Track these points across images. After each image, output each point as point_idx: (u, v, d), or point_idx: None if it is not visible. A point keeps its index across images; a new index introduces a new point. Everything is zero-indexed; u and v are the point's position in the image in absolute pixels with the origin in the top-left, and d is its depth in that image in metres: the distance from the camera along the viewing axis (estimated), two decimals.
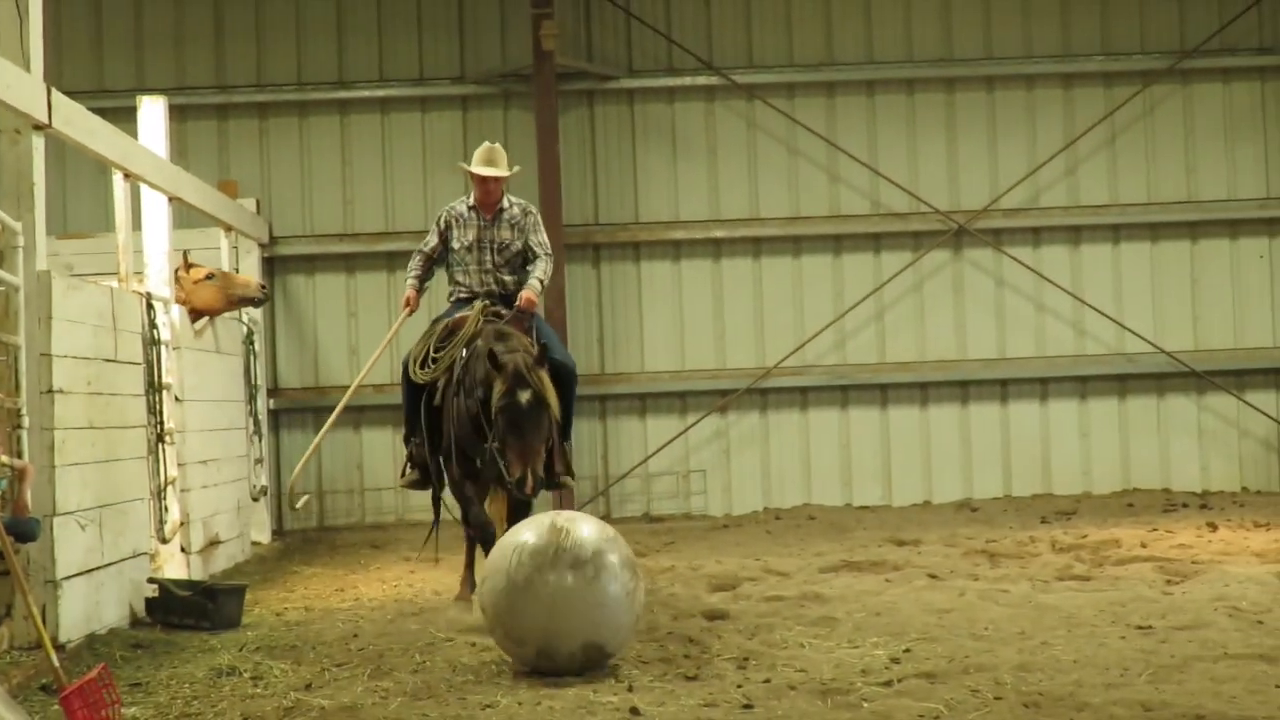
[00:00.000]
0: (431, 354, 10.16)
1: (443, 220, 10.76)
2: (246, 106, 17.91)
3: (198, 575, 11.88)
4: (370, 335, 17.61)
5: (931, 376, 17.99)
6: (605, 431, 17.80)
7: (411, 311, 11.06)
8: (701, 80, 17.91)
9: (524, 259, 10.67)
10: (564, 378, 10.30)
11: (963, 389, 18.07)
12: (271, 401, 17.01)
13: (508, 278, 10.62)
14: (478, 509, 10.30)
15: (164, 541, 11.56)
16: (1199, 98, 18.31)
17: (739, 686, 8.13)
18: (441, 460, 10.36)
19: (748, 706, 7.65)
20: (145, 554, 11.08)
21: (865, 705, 7.59)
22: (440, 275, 11.24)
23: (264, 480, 16.15)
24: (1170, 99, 18.15)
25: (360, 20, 17.98)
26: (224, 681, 8.55)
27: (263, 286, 14.16)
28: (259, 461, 15.97)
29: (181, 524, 11.87)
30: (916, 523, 16.01)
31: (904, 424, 18.00)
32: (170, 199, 12.80)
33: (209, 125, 17.72)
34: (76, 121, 10.26)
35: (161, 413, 11.63)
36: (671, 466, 17.81)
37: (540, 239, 10.71)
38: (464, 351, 9.95)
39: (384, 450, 17.60)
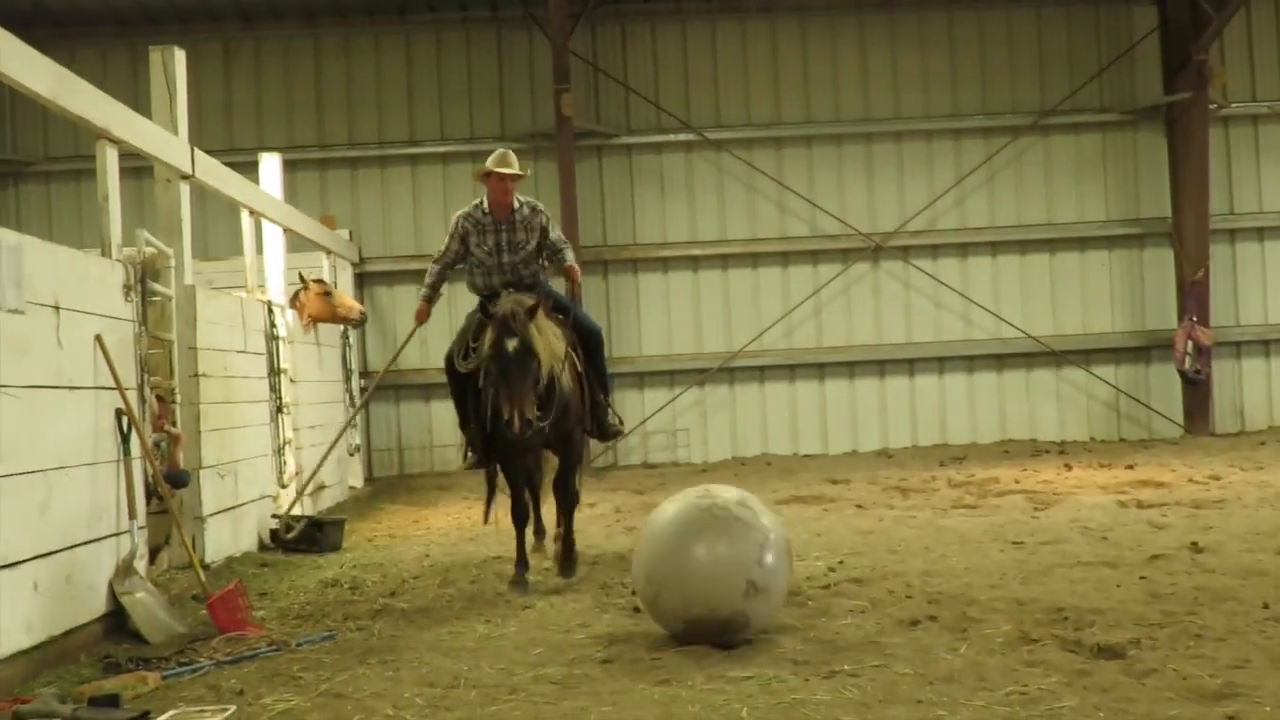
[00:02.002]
0: (471, 345, 8.57)
1: (460, 226, 8.94)
2: (340, 160, 17.92)
3: (309, 512, 11.89)
4: (435, 330, 17.60)
5: (857, 357, 17.99)
6: (613, 402, 17.79)
7: (421, 322, 9.45)
8: (682, 137, 17.89)
9: (538, 255, 8.94)
10: (591, 339, 9.38)
11: (880, 366, 18.06)
12: (362, 381, 17.00)
13: (524, 272, 8.87)
14: (519, 491, 8.93)
15: (283, 486, 11.58)
16: (1056, 146, 18.30)
17: None
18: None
19: None
20: (269, 496, 11.13)
21: (810, 603, 7.61)
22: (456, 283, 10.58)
23: (358, 440, 16.20)
24: (1034, 147, 18.15)
25: (426, 93, 18.01)
26: (329, 590, 8.67)
27: (363, 314, 13.96)
28: (354, 426, 15.92)
29: (296, 474, 11.89)
30: (847, 466, 16.01)
31: (837, 393, 18.01)
32: (284, 230, 12.82)
33: (312, 175, 17.71)
34: (213, 172, 10.33)
35: (280, 390, 11.66)
36: (662, 427, 17.84)
37: (558, 234, 9.12)
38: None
39: (448, 415, 17.58)
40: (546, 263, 9.11)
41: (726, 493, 6.76)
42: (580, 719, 5.32)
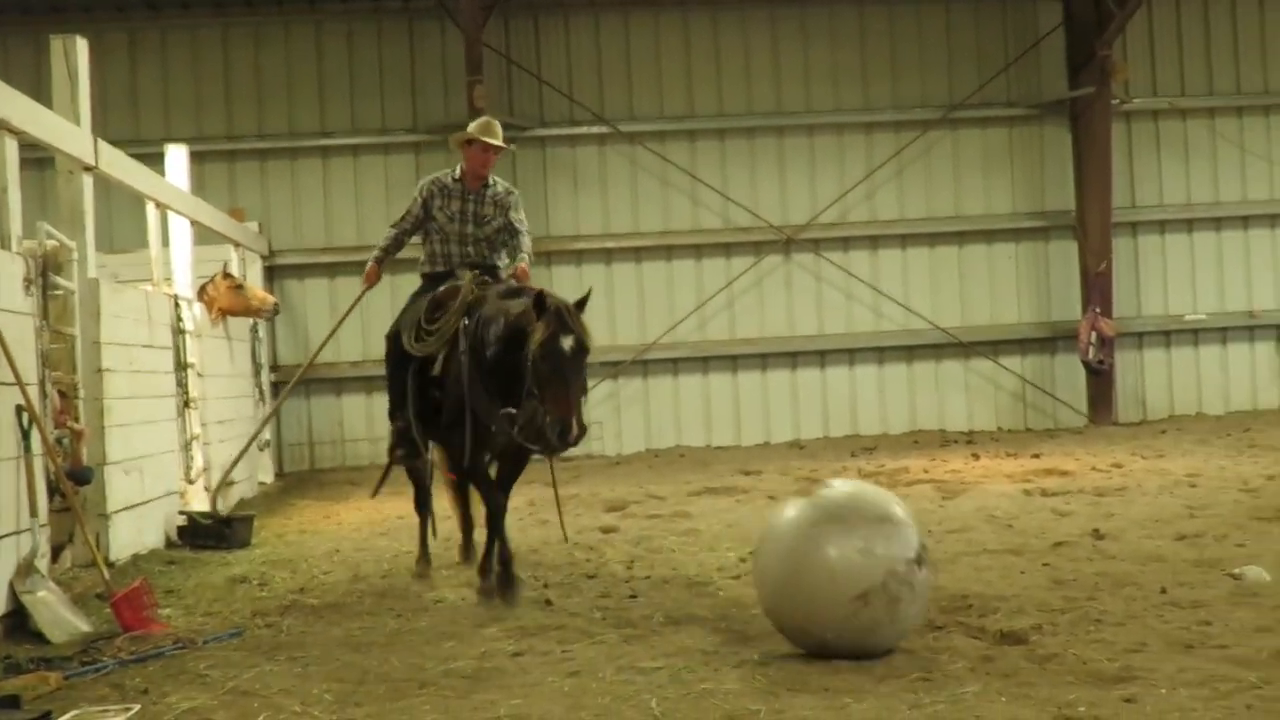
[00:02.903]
0: (425, 326, 7.78)
1: (425, 190, 8.24)
2: (249, 152, 17.67)
3: (218, 508, 11.72)
4: (350, 326, 17.45)
5: (769, 349, 18.09)
6: None
7: (370, 286, 8.77)
8: (595, 129, 17.85)
9: (501, 237, 8.33)
10: None
11: (792, 358, 18.19)
12: (272, 375, 16.81)
13: (486, 251, 8.29)
14: (485, 479, 8.01)
15: (190, 483, 11.40)
16: (964, 140, 18.54)
17: (626, 581, 8.19)
18: (439, 432, 8.00)
19: (633, 596, 7.69)
20: (176, 493, 10.94)
21: (720, 593, 7.66)
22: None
23: (268, 435, 15.97)
24: (943, 141, 18.37)
25: (337, 85, 17.81)
26: (237, 587, 8.50)
27: (276, 306, 13.76)
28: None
29: (204, 470, 11.72)
30: (759, 458, 16.09)
31: (749, 385, 18.10)
32: (191, 222, 12.62)
33: (221, 167, 17.43)
34: (117, 164, 10.11)
35: (187, 385, 11.48)
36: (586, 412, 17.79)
37: (520, 216, 8.39)
38: (466, 319, 7.60)
39: (358, 411, 17.53)
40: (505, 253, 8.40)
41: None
42: (490, 712, 5.30)
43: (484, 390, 7.41)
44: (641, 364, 17.92)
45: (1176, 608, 6.71)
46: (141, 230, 12.10)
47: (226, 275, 13.12)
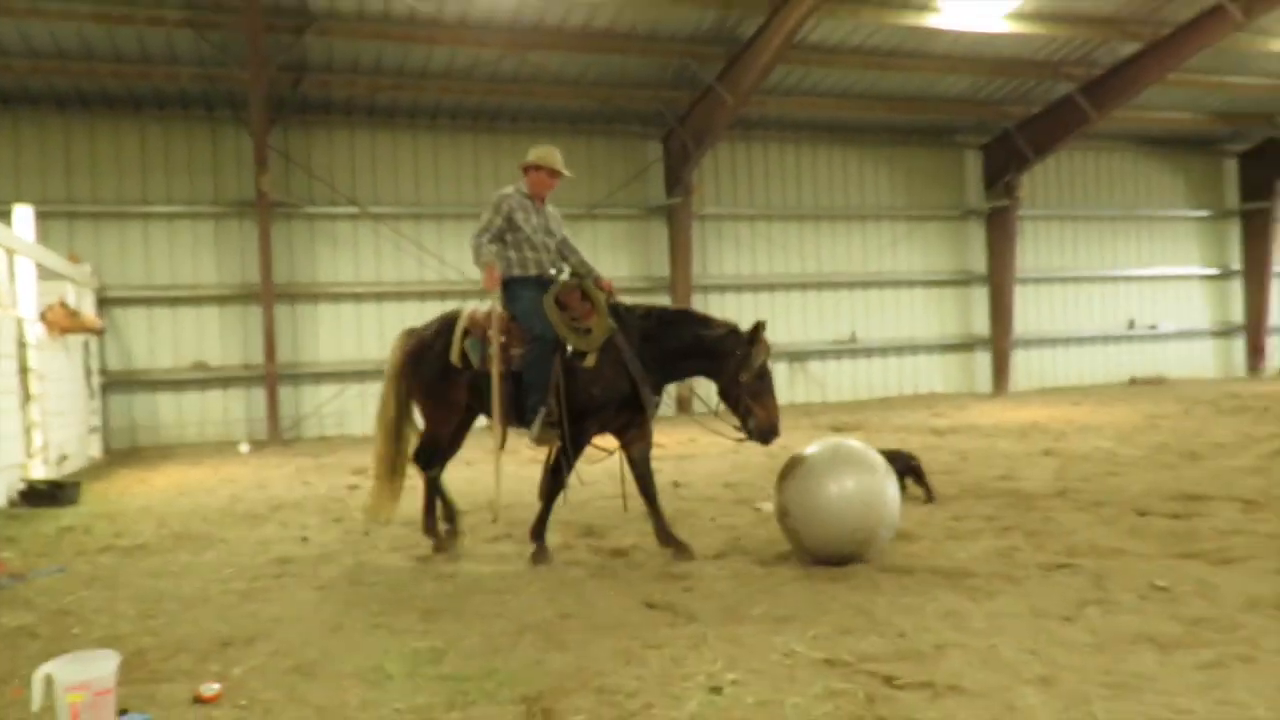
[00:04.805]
0: (574, 324, 6.22)
1: (505, 205, 6.47)
2: (86, 214, 16.10)
3: (52, 476, 10.68)
4: (163, 343, 16.26)
5: None
6: (298, 394, 17.02)
7: (495, 287, 6.40)
8: (349, 210, 17.27)
9: (559, 249, 6.70)
10: None
11: None
12: (101, 378, 15.45)
13: (555, 260, 6.68)
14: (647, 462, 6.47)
15: (30, 457, 10.33)
16: (602, 228, 18.97)
17: (362, 523, 7.96)
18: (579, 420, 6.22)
19: (366, 534, 7.53)
20: (20, 464, 9.91)
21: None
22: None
23: (96, 421, 14.73)
24: (586, 229, 18.73)
25: (156, 167, 16.49)
26: (65, 535, 7.85)
27: (102, 327, 12.95)
28: (94, 413, 14.56)
29: (43, 447, 10.64)
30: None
31: None
32: (36, 264, 11.44)
33: (62, 223, 15.81)
34: None
35: (29, 385, 10.40)
36: (333, 410, 17.17)
37: (568, 234, 6.82)
38: (611, 321, 6.21)
39: (170, 404, 16.34)
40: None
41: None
42: (258, 616, 5.12)
43: (635, 385, 6.16)
44: (381, 372, 17.30)
45: (720, 529, 7.15)
46: None
47: (63, 304, 12.04)
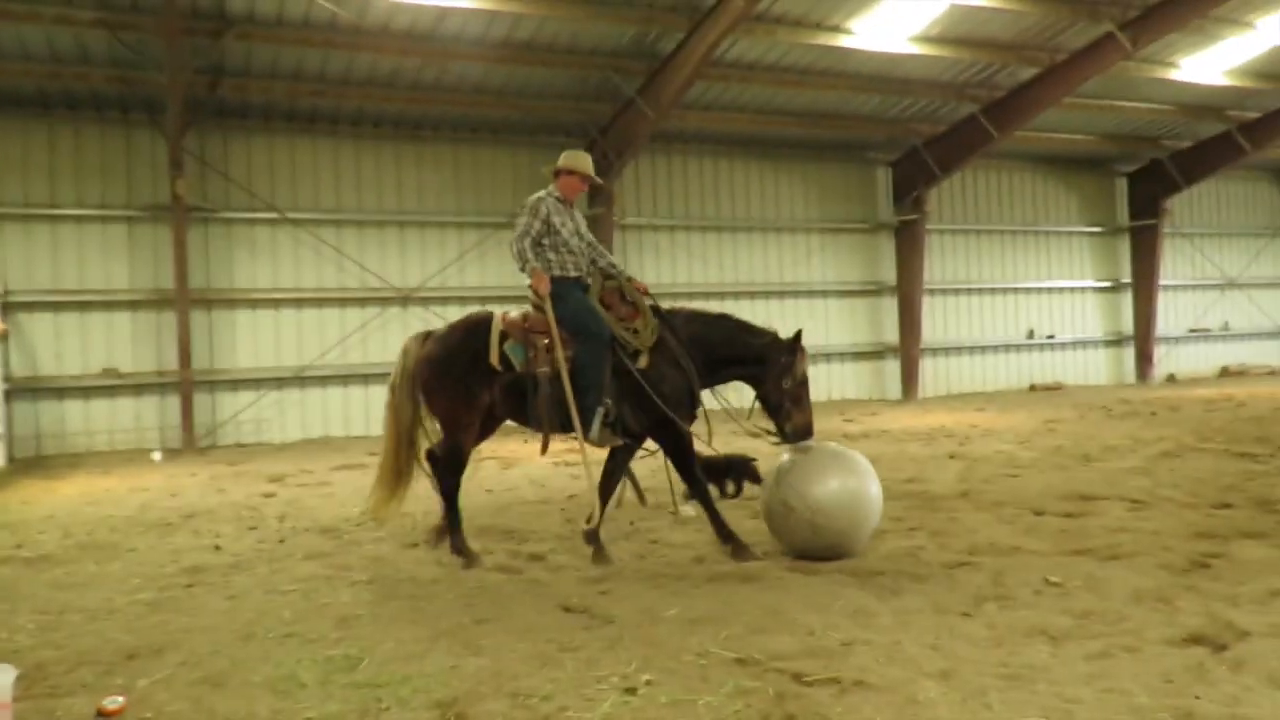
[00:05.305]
0: (622, 323, 6.25)
1: (543, 208, 6.46)
2: None
3: None
4: (71, 349, 15.63)
5: (389, 369, 17.66)
6: (214, 402, 16.51)
7: (548, 291, 6.34)
8: (267, 215, 16.84)
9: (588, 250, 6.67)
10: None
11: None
12: (5, 385, 14.75)
13: (587, 261, 6.61)
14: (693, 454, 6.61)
15: None
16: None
17: (278, 530, 7.79)
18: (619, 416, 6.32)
19: (281, 541, 7.35)
20: None
21: (345, 536, 7.45)
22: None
23: (2, 429, 14.09)
24: (501, 238, 18.58)
25: (65, 170, 15.83)
26: None
27: (6, 331, 12.47)
28: None
29: None
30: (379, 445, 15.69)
31: (375, 395, 17.47)
32: None
33: None
34: None
35: None
36: (251, 417, 16.70)
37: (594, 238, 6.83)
38: (655, 320, 6.29)
39: (76, 411, 15.69)
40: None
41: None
42: (166, 626, 4.95)
43: (692, 386, 6.26)
44: (300, 379, 17.08)
45: (638, 534, 7.18)
46: None
47: None
